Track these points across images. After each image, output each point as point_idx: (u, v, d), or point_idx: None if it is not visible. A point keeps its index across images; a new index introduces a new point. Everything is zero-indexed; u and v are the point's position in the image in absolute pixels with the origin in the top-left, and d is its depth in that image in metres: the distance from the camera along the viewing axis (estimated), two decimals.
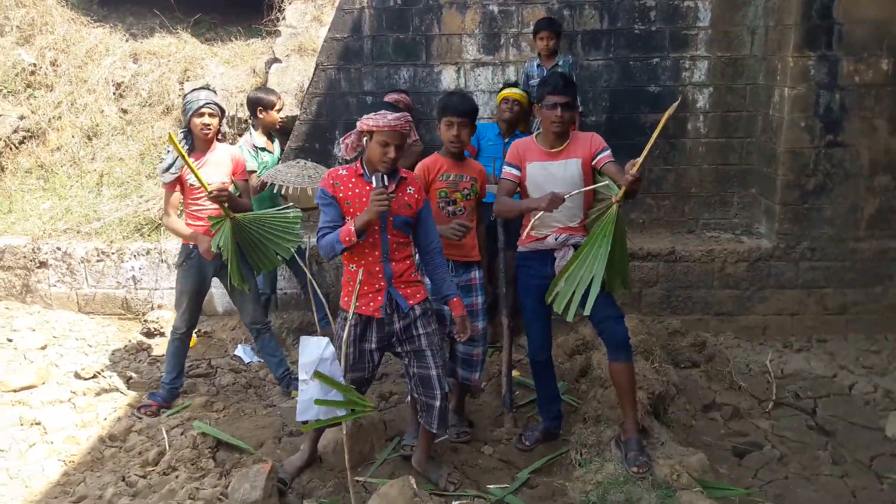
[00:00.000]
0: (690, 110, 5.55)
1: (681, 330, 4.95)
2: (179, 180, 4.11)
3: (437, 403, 3.26)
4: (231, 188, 4.15)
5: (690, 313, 5.36)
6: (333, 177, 3.14)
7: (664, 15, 5.46)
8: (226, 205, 3.88)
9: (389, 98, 4.70)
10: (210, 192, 3.82)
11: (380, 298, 3.15)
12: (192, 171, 3.75)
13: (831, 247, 5.20)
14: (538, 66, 5.20)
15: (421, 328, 3.22)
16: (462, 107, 3.53)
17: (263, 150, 4.82)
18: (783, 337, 5.27)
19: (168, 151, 4.13)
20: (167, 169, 4.08)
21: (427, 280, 3.42)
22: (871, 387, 4.49)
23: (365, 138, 3.09)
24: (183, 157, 3.73)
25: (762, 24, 5.40)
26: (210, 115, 4.06)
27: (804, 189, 5.16)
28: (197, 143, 4.13)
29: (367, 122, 3.02)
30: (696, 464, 3.30)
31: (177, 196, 4.16)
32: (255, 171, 4.70)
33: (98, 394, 4.54)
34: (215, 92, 4.23)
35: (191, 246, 4.19)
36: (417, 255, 3.36)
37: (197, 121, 4.05)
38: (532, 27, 5.27)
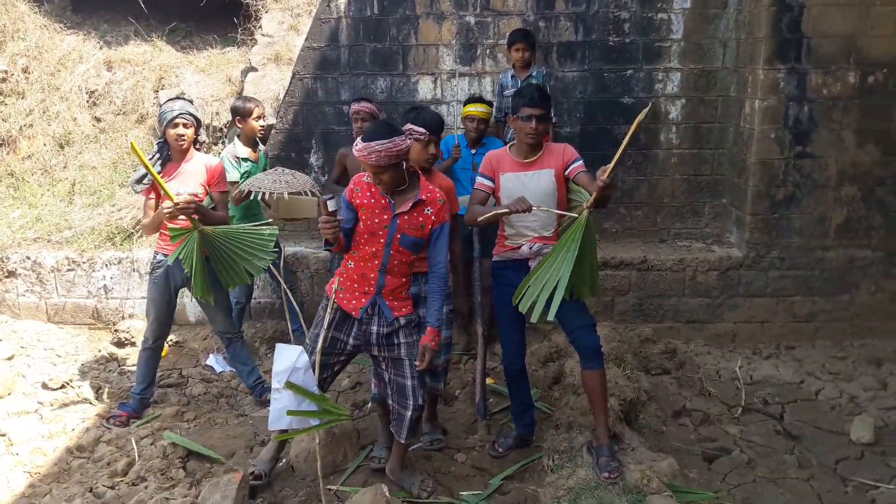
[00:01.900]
0: (663, 121, 5.66)
1: (652, 337, 5.03)
2: (153, 188, 4.10)
3: (409, 414, 3.29)
4: (206, 199, 4.14)
5: (662, 321, 5.44)
6: (355, 182, 3.22)
7: (638, 27, 5.56)
8: (195, 216, 3.85)
9: (353, 107, 4.70)
10: (176, 204, 3.78)
11: (363, 301, 3.20)
12: (158, 182, 3.72)
13: (800, 256, 5.32)
14: (512, 76, 5.27)
15: (403, 337, 3.26)
16: (436, 123, 3.57)
17: (246, 159, 4.80)
18: (752, 344, 5.37)
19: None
20: (139, 180, 4.07)
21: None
22: (837, 392, 4.59)
23: None
24: (146, 166, 3.66)
25: (734, 37, 5.52)
26: (184, 125, 4.05)
27: (774, 199, 5.27)
28: (172, 153, 4.12)
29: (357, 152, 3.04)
30: (666, 469, 3.35)
31: (153, 203, 4.13)
32: (237, 182, 4.67)
33: (66, 404, 4.49)
34: (191, 102, 4.21)
35: (159, 255, 4.17)
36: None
37: (171, 131, 4.04)
38: (507, 38, 5.34)
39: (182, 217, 3.85)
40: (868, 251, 5.31)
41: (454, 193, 3.79)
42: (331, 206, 2.98)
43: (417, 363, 3.26)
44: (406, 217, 3.13)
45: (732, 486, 3.61)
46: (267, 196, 4.29)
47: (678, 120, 5.67)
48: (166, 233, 4.12)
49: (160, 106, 4.19)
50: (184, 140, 4.07)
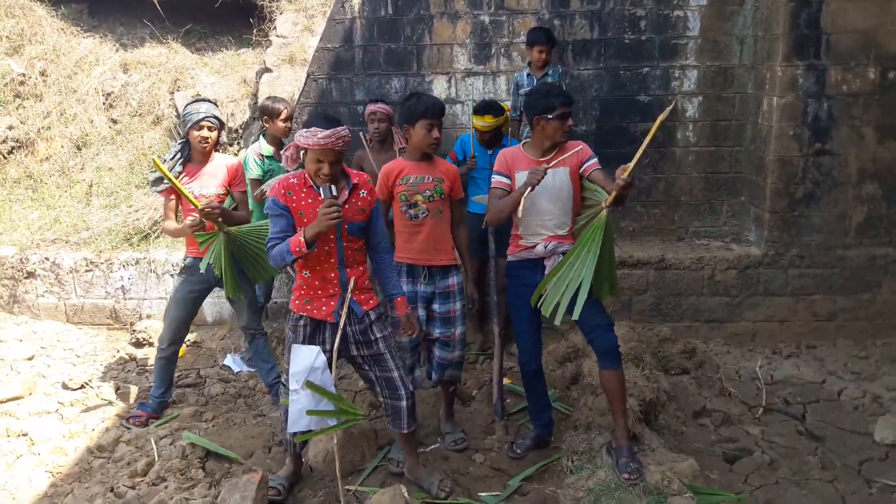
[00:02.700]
0: (680, 119, 5.62)
1: (671, 337, 4.99)
2: (173, 189, 4.12)
3: (404, 403, 3.31)
4: (227, 199, 4.16)
5: (680, 320, 5.40)
6: (285, 186, 3.13)
7: (654, 24, 5.52)
8: (219, 219, 3.90)
9: (369, 108, 4.74)
10: (201, 210, 3.83)
11: (332, 303, 3.17)
12: (181, 191, 3.77)
13: (820, 254, 5.26)
14: (528, 75, 5.25)
15: (378, 332, 3.26)
16: (438, 107, 3.61)
17: (270, 157, 4.80)
18: (773, 343, 5.31)
19: (163, 161, 4.14)
20: (160, 180, 4.08)
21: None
22: (860, 392, 4.53)
23: (301, 152, 3.12)
24: (171, 180, 3.73)
25: (751, 34, 5.47)
26: (209, 128, 4.07)
27: (793, 197, 5.22)
28: (194, 154, 4.15)
29: (299, 139, 3.03)
30: (687, 470, 3.33)
31: (174, 204, 4.16)
32: (260, 179, 4.69)
33: (86, 405, 4.52)
34: (216, 104, 4.22)
35: (191, 258, 4.18)
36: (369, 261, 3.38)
37: (196, 133, 4.06)
38: (525, 37, 5.32)
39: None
40: (890, 249, 5.24)
41: (459, 178, 3.81)
42: (322, 193, 2.99)
43: (403, 333, 3.37)
44: (347, 206, 3.12)
45: (754, 488, 3.57)
46: None
47: (695, 117, 5.63)
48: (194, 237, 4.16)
49: (183, 108, 4.18)
50: (207, 143, 4.10)
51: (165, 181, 4.06)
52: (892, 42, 5.00)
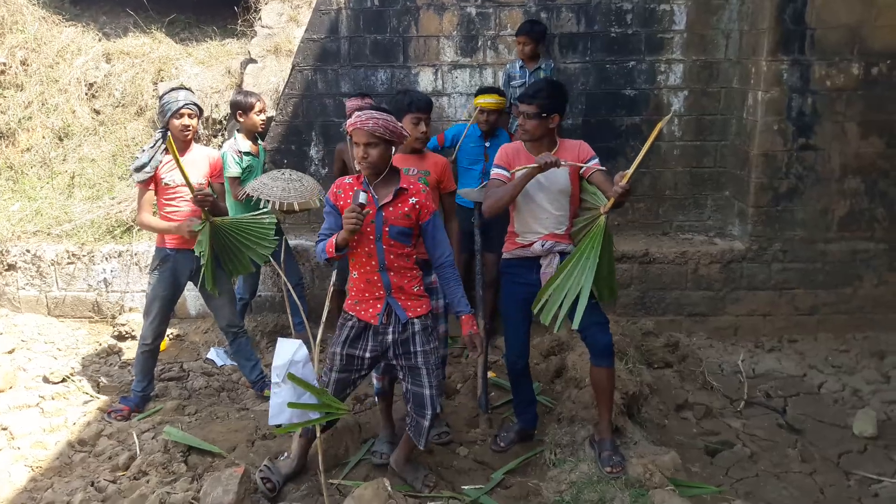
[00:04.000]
0: (665, 113, 5.61)
1: (654, 331, 5.02)
2: (154, 179, 4.08)
3: (426, 423, 3.26)
4: (208, 189, 4.13)
5: (664, 314, 5.43)
6: (338, 185, 3.15)
7: (640, 18, 5.52)
8: (206, 208, 3.87)
9: (350, 104, 4.61)
10: (195, 195, 3.79)
11: (379, 306, 3.14)
12: (183, 173, 3.72)
13: (803, 248, 5.30)
14: (521, 67, 5.24)
15: (419, 345, 3.18)
16: (424, 102, 3.60)
17: (248, 153, 4.77)
18: (755, 337, 5.36)
19: (143, 150, 4.09)
20: (141, 168, 4.03)
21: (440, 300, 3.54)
22: (840, 385, 4.58)
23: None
24: (178, 162, 3.66)
25: (737, 28, 5.49)
26: (189, 115, 4.03)
27: (777, 192, 5.25)
28: (175, 143, 4.09)
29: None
30: (669, 463, 3.35)
31: (150, 195, 4.12)
32: (239, 177, 4.65)
33: (67, 398, 4.49)
34: (193, 92, 4.19)
35: (167, 250, 4.15)
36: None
37: (176, 122, 4.01)
38: (509, 29, 5.31)
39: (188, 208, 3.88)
40: (871, 244, 5.29)
41: (450, 170, 3.80)
42: (362, 198, 2.94)
43: (471, 353, 3.28)
44: (391, 208, 3.07)
45: (735, 480, 3.61)
46: (277, 206, 4.26)
47: (681, 112, 5.65)
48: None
49: (160, 97, 4.14)
50: (189, 131, 4.05)
51: (147, 169, 4.02)
52: (876, 38, 5.03)
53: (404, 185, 3.10)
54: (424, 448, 3.37)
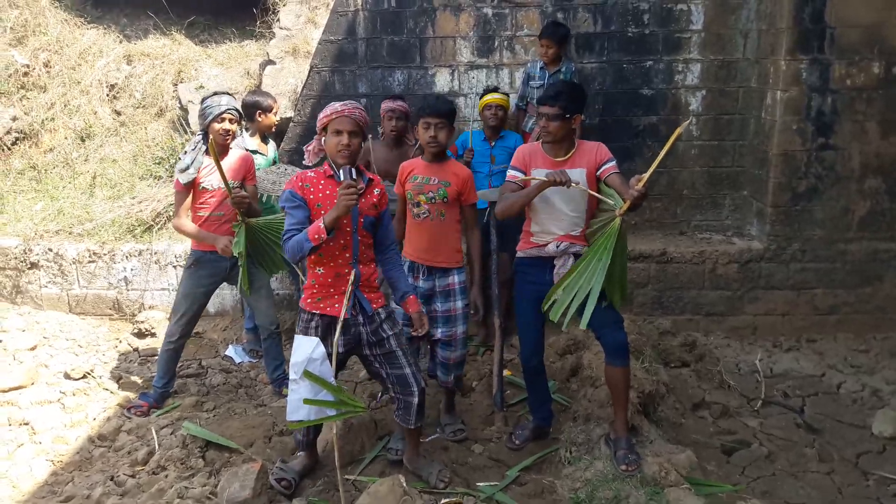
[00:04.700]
0: (683, 113, 5.60)
1: (671, 330, 5.01)
2: (192, 182, 4.12)
3: (415, 400, 3.31)
4: (243, 193, 4.18)
5: (681, 314, 5.40)
6: (302, 178, 3.13)
7: (657, 18, 5.51)
8: (243, 210, 3.95)
9: (385, 105, 4.66)
10: (234, 198, 3.88)
11: (345, 301, 3.12)
12: (224, 178, 3.80)
13: (822, 248, 5.25)
14: (541, 68, 5.23)
15: (389, 330, 3.27)
16: (438, 107, 3.59)
17: (255, 152, 4.84)
18: (773, 337, 5.31)
19: (185, 152, 4.15)
20: (185, 169, 4.09)
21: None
22: (859, 385, 4.54)
23: (323, 138, 3.14)
24: (219, 166, 3.74)
25: (755, 28, 5.46)
26: (230, 120, 4.08)
27: (795, 191, 5.21)
28: (215, 147, 4.14)
29: (319, 119, 3.11)
30: (685, 461, 3.34)
31: (189, 199, 4.15)
32: None
33: (87, 394, 4.55)
34: (234, 97, 4.24)
35: (202, 251, 4.20)
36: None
37: (217, 126, 4.05)
38: (525, 30, 5.32)
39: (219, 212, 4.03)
40: (891, 243, 5.23)
41: (472, 182, 3.80)
42: (341, 175, 2.98)
43: (414, 331, 3.39)
44: (363, 199, 3.12)
45: (752, 479, 3.59)
46: (273, 198, 4.34)
47: (698, 111, 5.62)
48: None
49: (202, 101, 4.15)
50: (229, 136, 4.11)
51: (191, 170, 4.06)
52: None
53: (371, 177, 3.21)
54: (415, 426, 3.37)
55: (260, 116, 4.88)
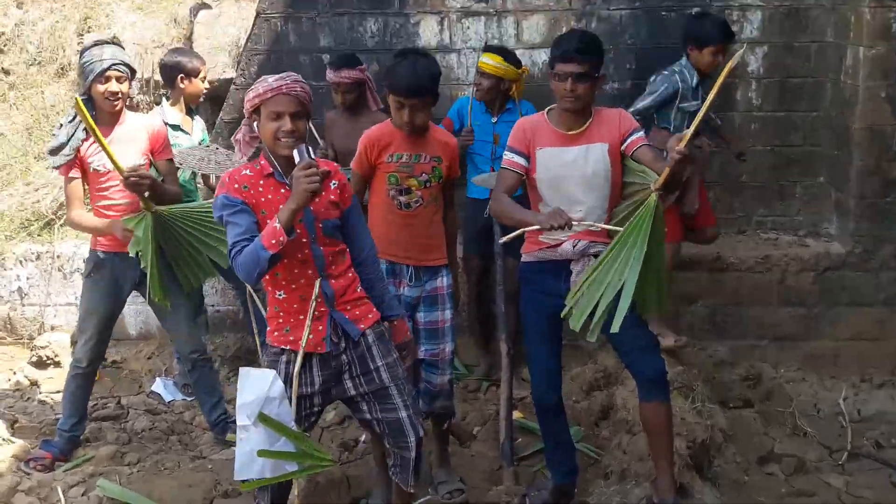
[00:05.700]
0: (740, 75, 5.61)
1: (729, 360, 5.05)
2: (78, 164, 4.07)
3: (413, 454, 3.25)
4: (151, 171, 4.12)
5: (742, 338, 5.43)
6: (238, 179, 3.04)
7: None
8: (146, 193, 3.84)
9: (330, 77, 4.66)
10: (126, 177, 3.75)
11: (321, 329, 3.09)
12: (105, 149, 3.68)
13: None
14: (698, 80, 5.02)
15: (379, 359, 3.18)
16: (411, 86, 3.49)
17: (177, 128, 4.82)
18: (860, 369, 5.34)
19: (59, 126, 4.09)
20: (58, 149, 4.03)
21: None
22: None
23: (255, 123, 3.05)
24: (94, 130, 3.63)
25: None
26: (118, 79, 4.03)
27: (887, 178, 5.24)
28: (100, 115, 4.07)
29: (248, 99, 3.01)
30: None
31: (78, 185, 4.12)
32: None
33: None
34: (123, 47, 4.19)
35: (101, 253, 4.15)
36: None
37: (101, 87, 4.00)
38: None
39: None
40: None
41: (458, 152, 3.81)
42: (296, 156, 2.88)
43: (403, 361, 3.32)
44: (319, 196, 3.00)
45: None
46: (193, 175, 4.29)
47: (759, 74, 5.63)
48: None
49: (80, 54, 4.12)
50: (118, 99, 4.06)
51: (65, 151, 4.01)
52: None
53: (326, 167, 3.08)
54: (412, 488, 3.32)
55: (183, 82, 4.84)
